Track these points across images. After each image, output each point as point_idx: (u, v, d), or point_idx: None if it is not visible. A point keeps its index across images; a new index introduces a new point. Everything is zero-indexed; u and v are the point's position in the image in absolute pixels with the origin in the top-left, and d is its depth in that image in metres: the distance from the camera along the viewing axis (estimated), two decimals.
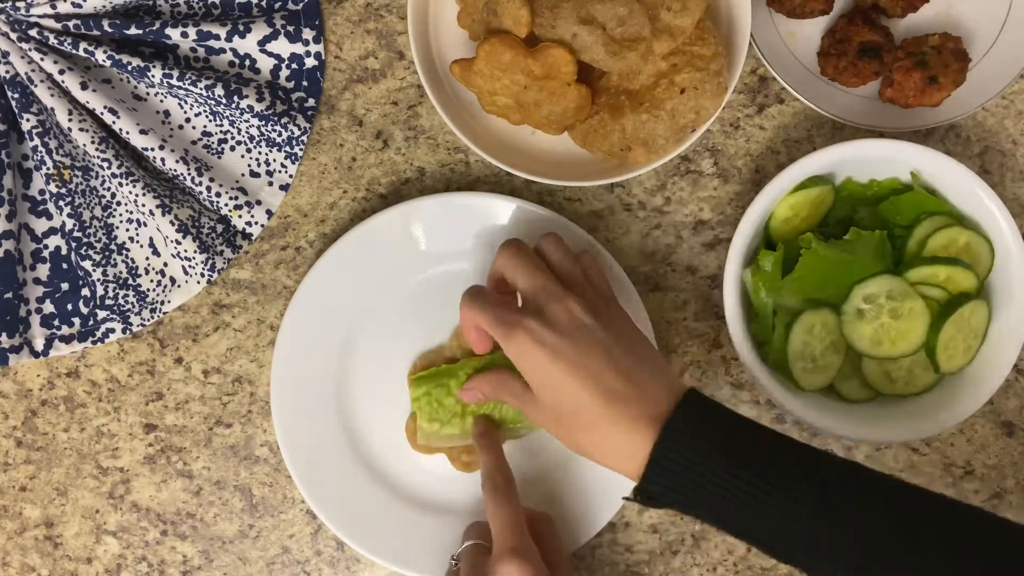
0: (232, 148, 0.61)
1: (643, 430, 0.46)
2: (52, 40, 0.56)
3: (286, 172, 0.61)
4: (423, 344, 0.60)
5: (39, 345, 0.60)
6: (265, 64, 0.60)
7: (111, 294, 0.60)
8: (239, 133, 0.60)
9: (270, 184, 0.61)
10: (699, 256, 0.62)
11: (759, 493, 0.44)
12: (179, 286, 0.61)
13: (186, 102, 0.60)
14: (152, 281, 0.61)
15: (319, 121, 0.61)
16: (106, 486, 0.62)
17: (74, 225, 0.58)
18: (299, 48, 0.59)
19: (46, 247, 0.60)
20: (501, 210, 0.59)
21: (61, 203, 0.57)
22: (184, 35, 0.57)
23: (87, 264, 0.59)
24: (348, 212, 0.61)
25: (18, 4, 0.56)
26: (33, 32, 0.56)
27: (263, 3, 0.60)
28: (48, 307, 0.60)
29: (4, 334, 0.59)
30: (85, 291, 0.60)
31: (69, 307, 0.60)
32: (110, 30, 0.56)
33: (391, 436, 0.60)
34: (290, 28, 0.59)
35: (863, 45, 0.57)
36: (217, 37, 0.58)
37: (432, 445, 0.59)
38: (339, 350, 0.60)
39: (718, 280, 0.61)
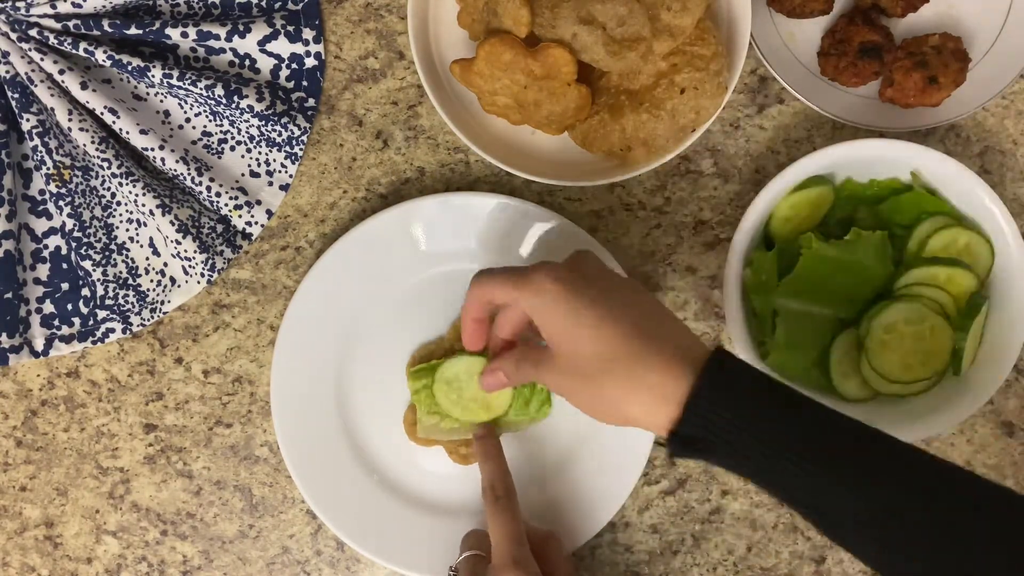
0: (232, 148, 0.61)
1: (677, 369, 0.42)
2: (52, 40, 0.56)
3: (286, 172, 0.61)
4: (424, 342, 0.61)
5: (39, 345, 0.60)
6: (265, 64, 0.60)
7: (111, 294, 0.60)
8: (239, 133, 0.60)
9: (270, 184, 0.61)
10: (699, 256, 0.61)
11: (811, 462, 0.41)
12: (179, 286, 0.61)
13: (186, 102, 0.60)
14: (152, 281, 0.61)
15: (319, 121, 0.61)
16: (106, 486, 0.62)
17: (74, 225, 0.58)
18: (299, 48, 0.59)
19: (46, 247, 0.60)
20: (501, 210, 0.59)
21: (61, 203, 0.57)
22: (184, 35, 0.57)
23: (87, 264, 0.59)
24: (348, 212, 0.61)
25: (18, 4, 0.56)
26: (33, 32, 0.56)
27: (263, 3, 0.60)
28: (48, 307, 0.60)
29: (4, 334, 0.59)
30: (85, 291, 0.60)
31: (69, 307, 0.60)
32: (110, 30, 0.56)
33: (391, 436, 0.60)
34: (290, 28, 0.59)
35: (863, 45, 0.57)
36: (217, 37, 0.58)
37: (431, 438, 0.59)
38: (339, 350, 0.60)
39: (718, 280, 0.61)
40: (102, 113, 0.57)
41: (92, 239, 0.59)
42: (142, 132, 0.57)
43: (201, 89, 0.57)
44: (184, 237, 0.58)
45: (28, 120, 0.56)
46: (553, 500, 0.59)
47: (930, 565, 0.41)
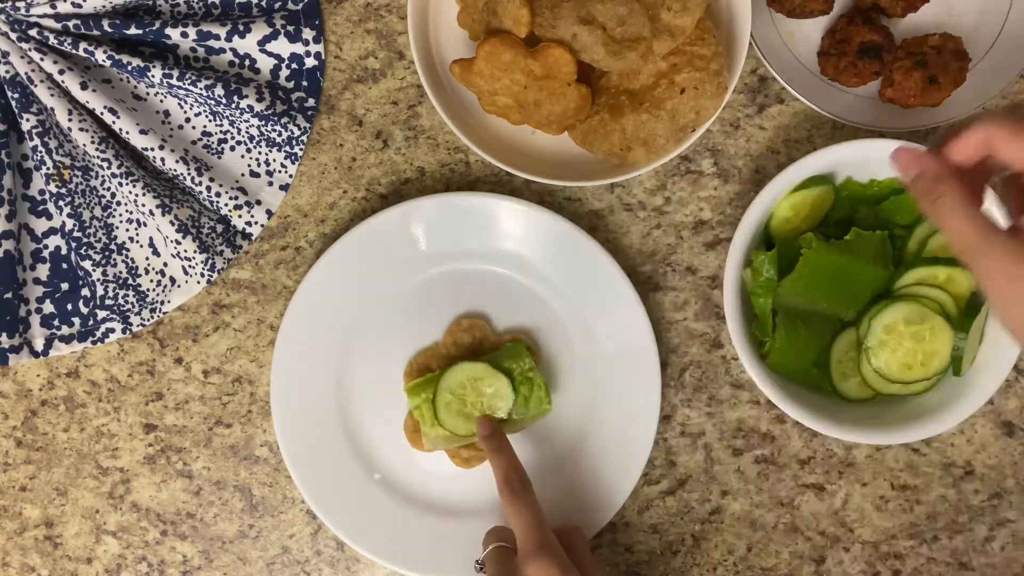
0: (232, 148, 0.61)
1: None
2: (52, 40, 0.56)
3: (286, 172, 0.61)
4: (424, 344, 0.60)
5: (39, 345, 0.60)
6: (265, 64, 0.60)
7: (111, 294, 0.60)
8: (239, 133, 0.60)
9: (270, 184, 0.61)
10: (699, 256, 0.62)
11: None
12: (179, 286, 0.61)
13: (186, 102, 0.60)
14: (152, 281, 0.61)
15: (319, 121, 0.61)
16: (106, 486, 0.62)
17: (74, 225, 0.58)
18: (299, 48, 0.59)
19: (46, 247, 0.60)
20: (501, 210, 0.59)
21: (61, 203, 0.57)
22: (184, 35, 0.57)
23: (87, 264, 0.59)
24: (348, 212, 0.61)
25: (18, 4, 0.56)
26: (33, 32, 0.56)
27: (263, 3, 0.60)
28: (48, 307, 0.60)
29: (4, 334, 0.59)
30: (85, 291, 0.60)
31: (69, 307, 0.60)
32: (110, 30, 0.56)
33: (391, 436, 0.60)
34: (290, 28, 0.59)
35: (863, 45, 0.57)
36: (217, 37, 0.58)
37: (438, 447, 0.59)
38: (339, 350, 0.60)
39: (718, 280, 0.61)
40: (102, 113, 0.57)
41: (92, 239, 0.59)
42: (142, 132, 0.57)
43: (201, 89, 0.57)
44: (184, 237, 0.58)
45: (28, 120, 0.56)
46: (553, 500, 0.59)
47: None
